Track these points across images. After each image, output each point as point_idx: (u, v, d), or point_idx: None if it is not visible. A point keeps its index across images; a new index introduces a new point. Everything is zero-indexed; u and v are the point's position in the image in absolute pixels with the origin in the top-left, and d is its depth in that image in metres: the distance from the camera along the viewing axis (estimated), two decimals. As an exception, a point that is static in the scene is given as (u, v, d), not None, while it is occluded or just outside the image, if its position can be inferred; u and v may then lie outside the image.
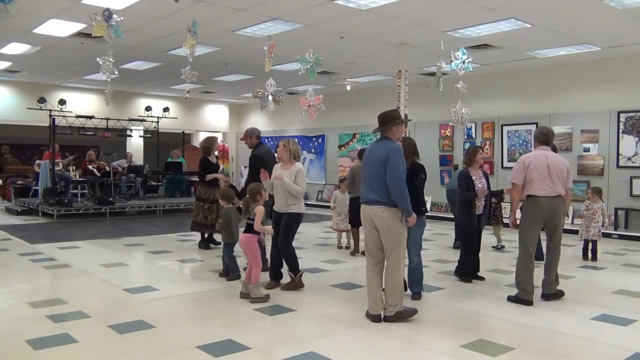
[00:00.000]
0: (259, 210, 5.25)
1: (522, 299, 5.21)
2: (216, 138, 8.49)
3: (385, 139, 4.65)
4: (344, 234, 8.44)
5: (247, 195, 5.38)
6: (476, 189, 6.22)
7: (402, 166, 4.47)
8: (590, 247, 7.65)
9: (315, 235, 9.91)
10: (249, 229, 5.30)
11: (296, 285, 5.70)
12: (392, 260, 4.54)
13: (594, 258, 7.59)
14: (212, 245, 8.24)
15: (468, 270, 6.24)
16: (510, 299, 5.31)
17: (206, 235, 8.22)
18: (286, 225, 5.66)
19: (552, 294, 5.37)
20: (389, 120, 4.65)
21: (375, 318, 4.60)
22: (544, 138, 5.34)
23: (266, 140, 18.66)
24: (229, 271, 6.19)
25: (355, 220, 7.59)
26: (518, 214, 5.41)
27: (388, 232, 4.50)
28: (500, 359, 3.78)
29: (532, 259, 5.27)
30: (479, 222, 6.24)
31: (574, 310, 5.08)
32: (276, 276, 5.83)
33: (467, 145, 12.70)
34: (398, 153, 4.49)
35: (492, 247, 8.37)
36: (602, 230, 7.61)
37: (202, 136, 20.06)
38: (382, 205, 4.47)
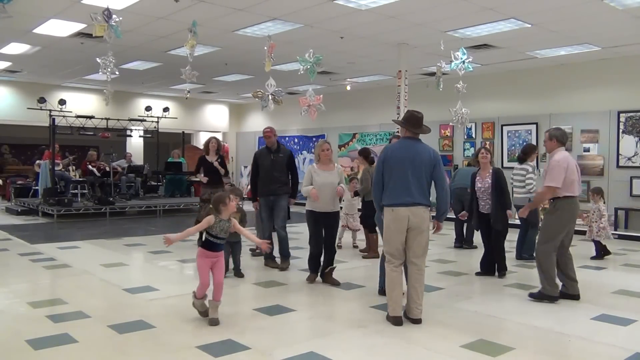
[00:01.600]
0: (236, 226, 4.64)
1: (548, 295, 5.28)
2: (212, 138, 8.21)
3: (420, 141, 4.69)
4: (345, 233, 8.41)
5: (211, 205, 4.61)
6: (475, 188, 6.62)
7: None
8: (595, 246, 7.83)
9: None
10: (207, 245, 4.54)
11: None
12: (423, 261, 4.58)
13: (602, 256, 7.76)
14: None
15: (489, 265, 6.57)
16: (534, 295, 5.36)
17: None
18: (336, 224, 6.06)
19: (572, 295, 5.39)
20: (422, 123, 4.72)
21: (398, 320, 4.50)
22: (565, 140, 5.48)
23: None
24: (237, 269, 6.28)
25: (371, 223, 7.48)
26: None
27: (425, 233, 4.54)
28: (500, 359, 3.78)
29: (555, 256, 5.33)
30: (487, 221, 6.47)
31: (574, 310, 5.08)
32: (315, 268, 6.10)
33: (467, 145, 12.73)
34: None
35: None
36: (602, 230, 7.69)
37: (202, 136, 20.14)
38: (423, 207, 4.52)
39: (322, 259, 6.07)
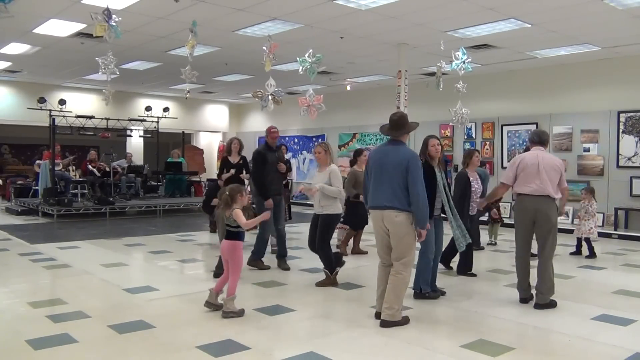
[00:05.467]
0: (237, 212, 4.75)
1: (520, 297, 5.26)
2: (234, 139, 7.83)
3: (400, 144, 4.62)
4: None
5: (227, 194, 4.79)
6: (472, 189, 6.44)
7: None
8: (584, 245, 7.90)
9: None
10: (231, 235, 4.85)
11: (332, 282, 5.88)
12: (401, 265, 4.48)
13: (590, 255, 7.74)
14: None
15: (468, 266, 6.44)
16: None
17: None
18: (323, 227, 5.87)
19: (544, 304, 5.08)
20: (406, 125, 4.61)
21: (378, 315, 4.59)
22: (538, 138, 5.37)
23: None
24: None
25: (356, 223, 7.72)
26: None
27: (403, 238, 4.46)
28: (500, 359, 3.78)
29: (521, 257, 5.26)
30: (471, 222, 6.41)
31: (574, 310, 5.07)
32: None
33: (467, 145, 12.72)
34: (419, 161, 4.55)
35: (487, 243, 8.75)
36: (595, 229, 7.85)
37: (202, 136, 20.19)
38: (395, 210, 4.42)
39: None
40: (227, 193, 4.78)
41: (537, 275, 5.15)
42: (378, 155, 4.64)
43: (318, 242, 5.90)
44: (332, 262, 5.92)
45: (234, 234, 4.82)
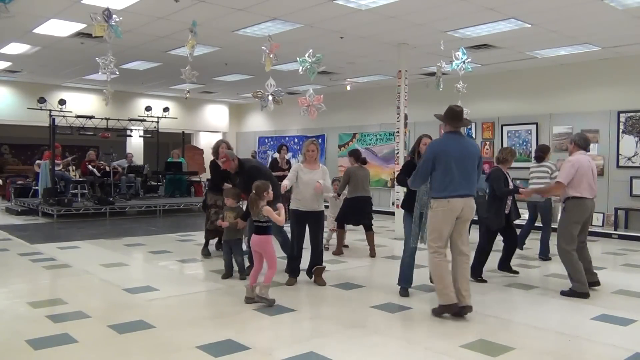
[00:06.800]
0: (268, 209, 5.06)
1: (578, 292, 5.46)
2: (221, 141, 7.54)
3: (463, 135, 4.95)
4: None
5: (254, 192, 5.12)
6: (510, 187, 6.33)
7: None
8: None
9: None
10: (261, 230, 5.15)
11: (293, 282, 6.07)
12: (469, 249, 4.86)
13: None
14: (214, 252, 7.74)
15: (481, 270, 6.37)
16: (565, 293, 5.52)
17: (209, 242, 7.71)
18: (320, 222, 6.03)
19: (594, 282, 5.78)
20: (462, 117, 4.87)
21: (454, 308, 4.64)
22: (585, 143, 5.80)
23: (265, 141, 18.70)
24: (241, 271, 6.16)
25: (345, 220, 7.81)
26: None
27: (469, 222, 4.84)
28: (500, 359, 3.78)
29: (575, 253, 5.56)
30: (508, 219, 6.39)
31: (574, 310, 5.08)
32: (294, 272, 6.05)
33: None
34: None
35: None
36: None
37: (202, 136, 20.16)
38: (473, 198, 4.78)
39: (300, 261, 6.11)
40: (254, 191, 5.09)
41: (584, 262, 5.67)
42: (458, 147, 4.76)
43: (318, 238, 6.02)
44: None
45: (264, 228, 5.13)
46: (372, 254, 7.80)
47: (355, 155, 8.16)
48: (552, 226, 7.39)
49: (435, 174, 4.72)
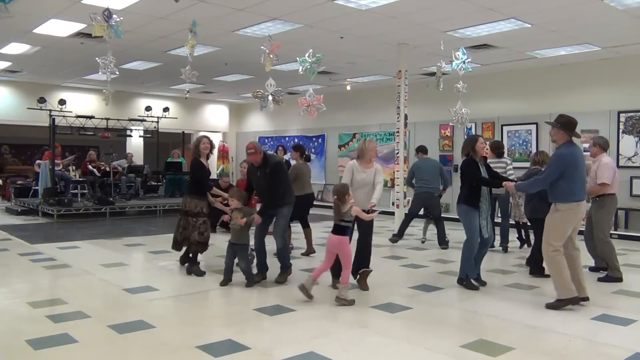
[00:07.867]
0: (356, 209, 5.20)
1: (614, 277, 6.20)
2: (202, 137, 6.84)
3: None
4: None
5: (336, 197, 5.20)
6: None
7: None
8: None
9: (316, 235, 9.86)
10: (340, 230, 5.16)
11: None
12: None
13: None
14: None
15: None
16: (602, 279, 6.25)
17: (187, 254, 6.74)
18: (371, 223, 5.75)
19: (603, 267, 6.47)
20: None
21: (576, 300, 5.03)
22: (606, 145, 6.59)
23: (265, 141, 18.69)
24: (248, 278, 5.82)
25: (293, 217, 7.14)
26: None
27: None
28: (500, 359, 3.78)
29: (612, 242, 6.34)
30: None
31: (574, 310, 5.07)
32: (337, 272, 5.55)
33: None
34: None
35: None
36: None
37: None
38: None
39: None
40: (335, 197, 5.21)
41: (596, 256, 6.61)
42: (580, 156, 5.19)
43: (366, 239, 5.82)
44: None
45: (342, 229, 5.18)
46: (311, 251, 7.77)
47: (300, 150, 7.96)
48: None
49: (561, 181, 5.05)
